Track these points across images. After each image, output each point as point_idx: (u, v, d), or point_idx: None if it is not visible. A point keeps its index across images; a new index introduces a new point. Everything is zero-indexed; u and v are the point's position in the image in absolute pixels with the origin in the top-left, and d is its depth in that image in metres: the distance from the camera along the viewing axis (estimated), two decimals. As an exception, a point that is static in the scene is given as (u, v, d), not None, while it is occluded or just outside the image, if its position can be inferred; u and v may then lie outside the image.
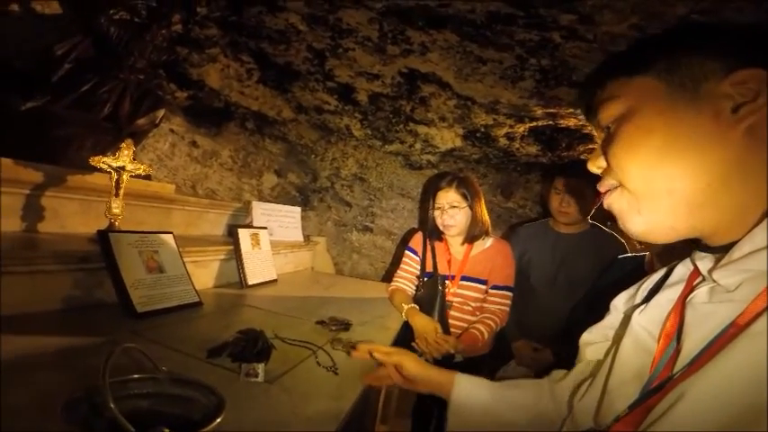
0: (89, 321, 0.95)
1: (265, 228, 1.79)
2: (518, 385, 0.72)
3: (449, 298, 1.56)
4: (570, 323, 1.53)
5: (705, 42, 0.43)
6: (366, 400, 0.91)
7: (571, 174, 1.63)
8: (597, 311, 0.64)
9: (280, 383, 0.79)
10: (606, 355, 0.57)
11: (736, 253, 0.39)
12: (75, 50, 1.51)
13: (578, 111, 1.75)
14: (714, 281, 0.42)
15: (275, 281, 1.71)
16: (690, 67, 0.43)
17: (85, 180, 1.34)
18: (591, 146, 2.03)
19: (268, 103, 2.27)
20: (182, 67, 2.09)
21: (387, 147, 2.36)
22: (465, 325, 1.51)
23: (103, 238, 1.06)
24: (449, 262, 1.61)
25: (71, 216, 1.30)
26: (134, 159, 1.22)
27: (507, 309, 1.54)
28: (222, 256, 1.54)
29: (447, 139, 2.17)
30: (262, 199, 2.60)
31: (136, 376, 0.52)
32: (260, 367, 0.77)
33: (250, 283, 1.56)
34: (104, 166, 1.17)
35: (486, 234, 1.60)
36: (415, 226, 2.50)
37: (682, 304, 0.46)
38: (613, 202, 0.48)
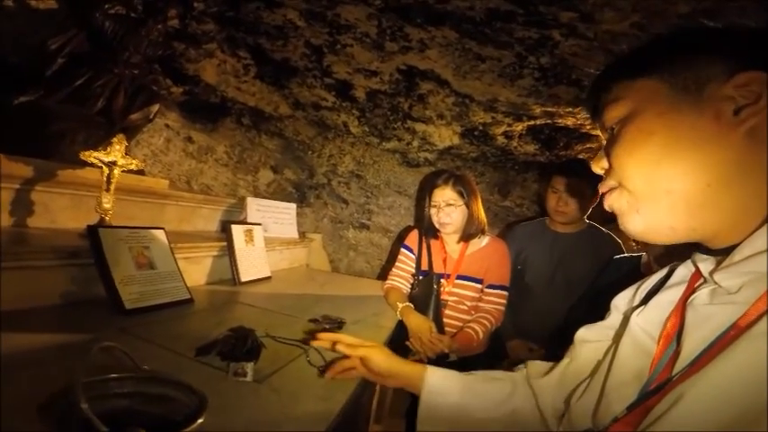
0: (77, 318, 0.94)
1: (260, 224, 1.77)
2: (492, 378, 0.71)
3: (444, 297, 1.54)
4: (566, 323, 1.52)
5: (708, 45, 0.44)
6: (359, 399, 0.90)
7: (569, 173, 1.62)
8: (593, 311, 0.63)
9: (269, 383, 0.77)
10: (605, 355, 0.57)
11: (738, 255, 0.40)
12: (70, 45, 1.50)
13: (577, 110, 1.74)
14: (715, 283, 0.42)
15: (269, 278, 1.69)
16: (692, 69, 0.43)
17: (76, 175, 1.32)
18: (589, 145, 2.02)
19: (265, 98, 2.25)
20: (178, 63, 2.07)
21: (384, 144, 2.34)
22: (460, 324, 1.50)
23: (93, 233, 1.04)
24: (444, 260, 1.60)
25: (61, 211, 1.28)
26: (126, 154, 1.20)
27: (503, 308, 1.53)
28: (215, 253, 1.52)
29: (445, 136, 2.15)
30: (258, 195, 2.58)
31: (115, 375, 0.51)
32: (249, 366, 0.76)
33: (243, 280, 1.54)
34: (95, 161, 1.15)
35: (483, 233, 1.58)
36: (412, 224, 2.49)
37: (683, 306, 0.46)
38: (613, 202, 0.49)
